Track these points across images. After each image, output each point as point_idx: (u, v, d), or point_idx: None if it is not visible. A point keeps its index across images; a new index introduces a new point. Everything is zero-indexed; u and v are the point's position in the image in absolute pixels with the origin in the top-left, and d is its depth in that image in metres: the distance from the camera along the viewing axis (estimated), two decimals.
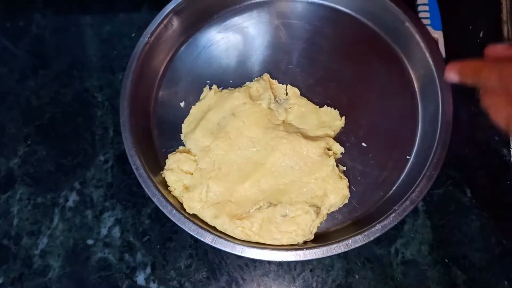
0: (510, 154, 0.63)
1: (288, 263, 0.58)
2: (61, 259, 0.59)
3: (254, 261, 0.58)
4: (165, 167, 0.59)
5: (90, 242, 0.60)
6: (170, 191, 0.57)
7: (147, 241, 0.59)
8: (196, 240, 0.59)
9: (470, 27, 0.71)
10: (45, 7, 0.76)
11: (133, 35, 0.73)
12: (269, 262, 0.58)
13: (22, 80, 0.70)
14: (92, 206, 0.61)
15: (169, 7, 0.65)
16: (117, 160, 0.64)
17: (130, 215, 0.61)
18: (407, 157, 0.61)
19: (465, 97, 0.65)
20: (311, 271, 0.57)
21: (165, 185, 0.58)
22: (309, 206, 0.54)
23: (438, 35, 0.67)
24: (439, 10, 0.70)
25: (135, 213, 0.61)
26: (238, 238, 0.53)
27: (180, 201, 0.56)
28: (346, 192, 0.57)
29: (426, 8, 0.71)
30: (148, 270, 0.58)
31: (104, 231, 0.60)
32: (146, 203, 0.61)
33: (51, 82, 0.70)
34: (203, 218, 0.55)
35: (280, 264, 0.58)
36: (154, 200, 0.54)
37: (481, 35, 0.70)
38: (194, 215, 0.56)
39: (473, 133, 0.64)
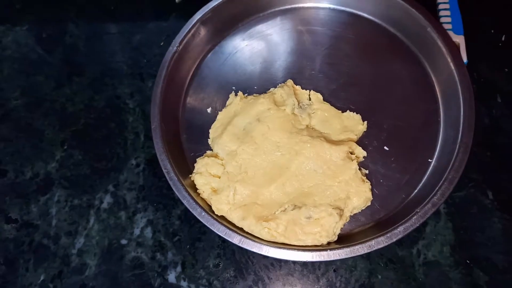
0: None
1: (313, 263, 0.60)
2: (97, 258, 0.63)
3: (279, 260, 0.61)
4: (194, 171, 0.62)
5: (123, 242, 0.63)
6: (199, 194, 0.60)
7: (177, 241, 0.63)
8: (224, 241, 0.62)
9: (492, 31, 0.72)
10: (77, 17, 0.81)
11: (162, 44, 0.77)
12: (294, 262, 0.60)
13: (58, 88, 0.75)
14: (125, 207, 0.65)
15: (196, 17, 0.69)
16: (148, 164, 0.68)
17: (161, 216, 0.64)
18: (429, 160, 0.62)
19: (487, 100, 0.67)
20: (334, 271, 0.60)
21: (194, 187, 0.61)
22: (333, 208, 0.56)
23: (459, 39, 0.69)
24: (460, 15, 0.71)
25: (165, 215, 0.64)
26: (264, 239, 0.56)
27: (209, 203, 0.59)
28: (369, 194, 0.59)
29: (448, 13, 0.72)
30: (179, 268, 0.61)
31: (137, 231, 0.64)
32: (176, 204, 0.65)
33: (85, 89, 0.75)
34: (230, 220, 0.58)
35: (304, 264, 0.60)
36: (184, 202, 0.57)
37: (503, 38, 0.72)
38: (222, 217, 0.59)
39: (494, 136, 0.65)
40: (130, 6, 0.81)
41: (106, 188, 0.67)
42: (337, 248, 0.53)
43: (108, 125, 0.71)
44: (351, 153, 0.61)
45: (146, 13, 0.80)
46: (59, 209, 0.66)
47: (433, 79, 0.67)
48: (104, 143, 0.70)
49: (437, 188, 0.56)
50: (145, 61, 0.76)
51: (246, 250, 0.60)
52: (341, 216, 0.57)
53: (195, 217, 0.62)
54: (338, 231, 0.57)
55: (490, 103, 0.67)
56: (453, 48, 0.64)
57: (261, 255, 0.59)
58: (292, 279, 0.60)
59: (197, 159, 0.63)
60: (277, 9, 0.75)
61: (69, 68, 0.76)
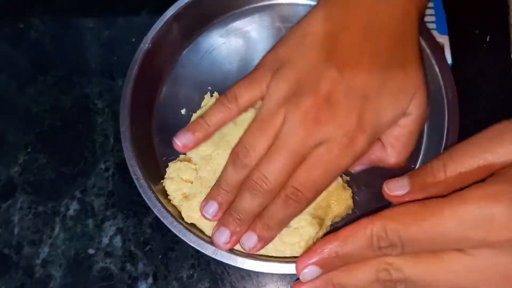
0: None
1: (291, 275, 0.58)
2: (62, 269, 0.60)
3: (256, 273, 0.59)
4: (165, 176, 0.59)
5: (91, 251, 0.60)
6: (170, 200, 0.58)
7: (149, 250, 0.60)
8: (198, 250, 0.59)
9: (477, 31, 0.71)
10: (43, 12, 0.77)
11: (133, 40, 0.74)
12: (272, 273, 0.58)
13: (21, 87, 0.71)
14: (93, 215, 0.62)
15: (169, 12, 0.66)
16: (118, 168, 0.65)
17: (131, 224, 0.62)
18: (412, 166, 0.61)
19: (471, 103, 0.66)
20: None
21: (165, 193, 0.58)
22: (313, 217, 0.54)
23: (443, 39, 0.68)
24: (445, 14, 0.70)
25: (136, 222, 0.62)
26: (238, 249, 0.54)
27: (179, 210, 0.57)
28: (350, 202, 0.57)
29: (432, 11, 0.71)
30: (150, 280, 0.59)
31: (105, 240, 0.61)
32: (147, 212, 0.62)
33: (50, 88, 0.71)
34: (201, 228, 0.56)
35: (283, 275, 0.58)
36: (155, 211, 0.54)
37: (487, 39, 0.71)
38: (195, 226, 0.56)
39: None
40: (99, 0, 0.77)
41: (73, 194, 0.64)
42: None
43: (75, 127, 0.68)
44: None
45: (116, 7, 0.77)
46: (22, 217, 0.63)
47: None
48: (71, 146, 0.67)
49: None
50: (115, 58, 0.73)
51: (222, 261, 0.58)
52: (321, 225, 0.55)
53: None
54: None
55: (474, 106, 0.66)
56: (438, 49, 0.62)
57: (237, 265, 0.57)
58: None
59: (169, 164, 0.60)
60: (255, 5, 0.72)
61: (34, 67, 0.73)
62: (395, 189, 0.41)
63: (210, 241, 0.54)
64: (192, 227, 0.55)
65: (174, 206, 0.58)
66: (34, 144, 0.67)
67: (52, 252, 0.61)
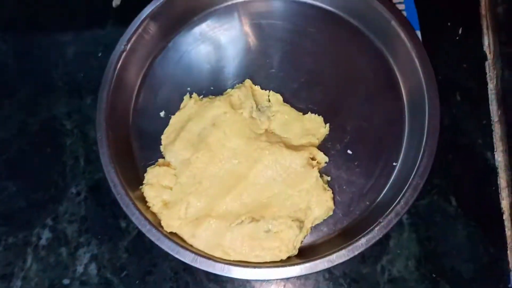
0: (494, 158, 0.63)
1: (274, 287, 0.58)
2: None
3: None
4: (143, 182, 0.59)
5: (66, 282, 0.60)
6: (149, 207, 0.57)
7: (125, 276, 0.59)
8: (177, 272, 0.59)
9: (449, 23, 0.70)
10: (4, 31, 0.75)
11: (99, 54, 0.72)
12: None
13: None
14: (66, 243, 0.61)
15: (145, 12, 0.65)
16: (90, 192, 0.64)
17: (106, 249, 0.61)
18: (394, 164, 0.61)
19: (446, 98, 0.65)
20: None
21: (144, 200, 0.57)
22: (292, 220, 0.54)
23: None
24: (415, 8, 0.70)
25: (111, 247, 0.61)
26: (217, 256, 0.53)
27: (159, 218, 0.56)
28: (331, 204, 0.57)
29: (402, 6, 0.70)
30: None
31: (80, 269, 0.60)
32: (122, 235, 0.61)
33: (16, 112, 0.70)
34: (181, 236, 0.55)
35: None
36: (133, 218, 0.54)
37: (460, 31, 0.70)
38: (175, 234, 0.55)
39: (455, 137, 0.64)
40: (61, 16, 0.75)
41: (44, 222, 0.63)
42: (297, 264, 0.51)
43: (44, 151, 0.67)
44: (313, 159, 0.59)
45: (79, 21, 0.75)
46: None
47: (398, 75, 0.65)
48: (41, 171, 0.66)
49: (400, 195, 0.54)
50: (82, 75, 0.71)
51: (202, 282, 0.58)
52: (301, 228, 0.54)
53: (144, 247, 0.59)
54: (298, 245, 0.55)
55: (449, 102, 0.65)
56: (418, 43, 0.61)
57: (217, 285, 0.56)
58: None
59: (147, 169, 0.59)
60: (233, 2, 0.71)
61: None
62: None
63: (190, 248, 0.53)
64: (173, 236, 0.54)
65: (153, 214, 0.57)
66: (2, 171, 0.66)
67: (25, 285, 0.60)
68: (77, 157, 0.66)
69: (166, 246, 0.52)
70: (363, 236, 0.52)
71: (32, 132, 0.68)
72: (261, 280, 0.58)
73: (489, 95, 0.66)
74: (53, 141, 0.67)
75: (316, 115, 0.62)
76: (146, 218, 0.54)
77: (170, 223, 0.55)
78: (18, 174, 0.66)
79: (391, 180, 0.60)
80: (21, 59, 0.73)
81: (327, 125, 0.62)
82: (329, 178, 0.60)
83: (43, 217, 0.63)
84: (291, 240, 0.54)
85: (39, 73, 0.72)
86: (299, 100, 0.64)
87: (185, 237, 0.55)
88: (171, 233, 0.55)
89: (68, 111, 0.69)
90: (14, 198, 0.64)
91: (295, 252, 0.55)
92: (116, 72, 0.62)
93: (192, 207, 0.56)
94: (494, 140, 0.63)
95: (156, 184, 0.58)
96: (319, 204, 0.56)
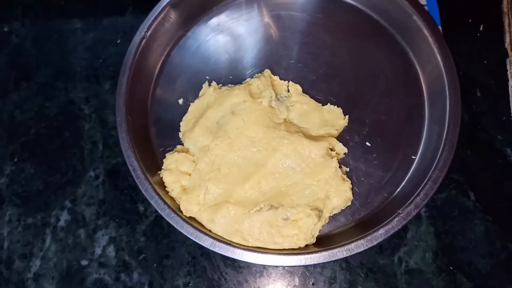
0: None
1: (290, 275, 0.59)
2: (55, 282, 0.60)
3: (254, 276, 0.59)
4: (162, 167, 0.60)
5: (84, 263, 0.61)
6: (168, 192, 0.58)
7: (143, 259, 0.61)
8: (194, 257, 0.60)
9: (470, 20, 0.72)
10: (24, 15, 0.77)
11: (118, 42, 0.74)
12: (269, 276, 0.59)
13: (4, 95, 0.71)
14: (84, 225, 0.63)
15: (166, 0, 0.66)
16: (108, 175, 0.65)
17: (124, 233, 0.62)
18: (412, 157, 0.62)
19: (466, 95, 0.66)
20: (313, 284, 0.59)
21: (162, 185, 0.59)
22: (311, 209, 0.55)
23: None
24: (437, 4, 0.71)
25: (129, 231, 0.62)
26: (236, 242, 0.55)
27: (178, 203, 0.57)
28: (349, 194, 0.58)
29: (424, 1, 0.71)
30: None
31: (98, 250, 0.61)
32: (140, 219, 0.62)
33: (34, 95, 0.71)
34: (200, 221, 0.57)
35: (281, 277, 0.59)
36: (152, 202, 0.55)
37: (481, 28, 0.71)
38: (193, 219, 0.57)
39: (475, 133, 0.65)
40: (81, 2, 0.77)
41: (63, 204, 0.64)
42: (316, 252, 0.52)
43: (61, 135, 0.68)
44: (331, 149, 0.60)
45: (100, 8, 0.77)
46: (11, 230, 0.63)
47: (418, 70, 0.66)
48: (58, 154, 0.67)
49: (420, 187, 0.55)
50: (101, 61, 0.73)
51: (218, 266, 0.59)
52: (319, 217, 0.56)
53: (162, 232, 0.60)
54: (316, 233, 0.56)
55: (469, 98, 0.67)
56: (440, 38, 0.63)
57: (234, 270, 0.58)
58: None
59: (166, 155, 0.61)
60: None
61: (16, 72, 0.73)
62: None
63: (209, 233, 0.54)
64: (191, 220, 0.56)
65: (172, 199, 0.58)
66: (20, 153, 0.67)
67: (44, 265, 0.61)
68: (95, 141, 0.68)
69: (185, 230, 0.54)
70: (382, 226, 0.53)
71: (50, 116, 0.70)
72: (280, 266, 0.59)
73: (510, 92, 0.67)
74: (71, 125, 0.69)
75: (335, 106, 0.63)
76: (165, 203, 0.55)
77: (189, 208, 0.57)
78: (35, 157, 0.67)
79: (409, 173, 0.61)
80: (40, 44, 0.75)
81: (346, 116, 0.63)
82: (347, 169, 0.61)
83: (61, 199, 0.64)
84: (310, 228, 0.55)
85: (57, 58, 0.74)
86: (318, 91, 0.65)
87: (204, 222, 0.56)
88: (189, 218, 0.56)
89: (86, 96, 0.71)
90: (32, 181, 0.66)
91: (313, 240, 0.56)
92: (136, 58, 0.63)
93: (210, 193, 0.57)
94: None
95: (175, 170, 0.59)
96: (337, 194, 0.57)
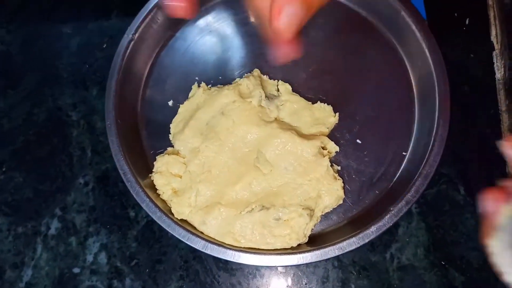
0: None
1: (283, 275, 0.60)
2: None
3: (246, 278, 0.60)
4: (153, 170, 0.60)
5: (76, 270, 0.61)
6: (159, 195, 0.58)
7: (136, 265, 0.61)
8: (187, 261, 0.61)
9: (455, 14, 0.72)
10: (8, 21, 0.77)
11: (104, 46, 0.74)
12: (262, 277, 0.60)
13: None
14: (75, 232, 0.63)
15: (153, 1, 0.66)
16: (97, 182, 0.65)
17: (115, 239, 0.62)
18: (403, 153, 0.62)
19: (453, 89, 0.66)
20: (306, 284, 0.59)
21: (153, 188, 0.59)
22: (303, 209, 0.56)
23: None
24: None
25: (120, 237, 0.62)
26: (228, 243, 0.55)
27: (169, 205, 0.58)
28: (341, 193, 0.58)
29: None
30: None
31: (90, 258, 0.62)
32: (131, 225, 0.63)
33: (22, 102, 0.71)
34: (192, 223, 0.57)
35: (274, 278, 0.60)
36: (143, 205, 0.55)
37: (467, 22, 0.72)
38: (184, 222, 0.57)
39: (463, 127, 0.66)
40: (66, 6, 0.77)
41: (53, 212, 0.64)
42: (307, 251, 0.53)
43: (50, 141, 0.69)
44: (323, 148, 0.61)
45: (84, 13, 0.77)
46: (2, 239, 0.63)
47: (408, 66, 0.67)
48: (47, 161, 0.67)
49: (411, 184, 0.56)
50: (87, 67, 0.73)
51: (211, 270, 0.59)
52: (311, 216, 0.56)
53: (153, 237, 0.61)
54: (308, 233, 0.57)
55: (457, 92, 0.67)
56: (428, 34, 0.63)
57: (227, 273, 0.58)
58: None
59: (157, 157, 0.61)
60: None
61: (2, 80, 0.73)
62: None
63: (201, 235, 0.55)
64: (183, 223, 0.56)
65: (163, 201, 0.58)
66: (9, 162, 0.68)
67: (35, 274, 0.61)
68: (83, 147, 0.68)
69: (177, 233, 0.54)
70: (373, 224, 0.54)
71: (38, 123, 0.70)
72: (272, 266, 0.60)
73: (497, 85, 0.68)
74: (59, 131, 0.69)
75: (326, 104, 0.64)
76: (156, 206, 0.55)
77: (180, 210, 0.57)
78: (24, 165, 0.67)
79: (400, 169, 0.61)
80: (26, 50, 0.75)
81: (337, 114, 0.63)
82: (339, 168, 0.61)
83: (51, 207, 0.64)
84: (302, 228, 0.55)
85: (43, 64, 0.74)
86: (308, 90, 0.66)
87: (195, 224, 0.57)
88: (181, 220, 0.57)
89: (74, 102, 0.71)
90: (21, 189, 0.66)
91: (305, 239, 0.56)
92: (124, 61, 0.63)
93: (201, 195, 0.57)
94: (502, 130, 0.65)
95: (166, 172, 0.59)
96: (329, 193, 0.58)
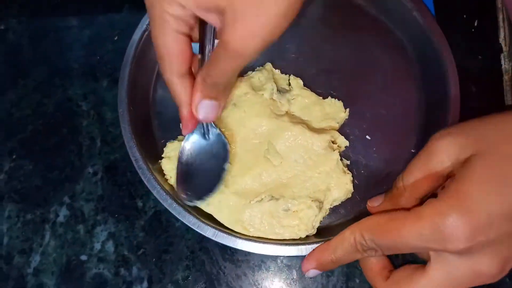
0: None
1: (288, 268, 0.61)
2: (55, 277, 0.61)
3: (252, 269, 0.61)
4: (162, 155, 0.61)
5: (83, 258, 0.62)
6: (166, 180, 0.59)
7: (142, 254, 0.62)
8: (193, 251, 0.62)
9: (464, 16, 0.73)
10: (20, 12, 0.78)
11: (115, 38, 0.75)
12: (268, 270, 0.61)
13: (1, 92, 0.72)
14: (83, 220, 0.64)
15: None
16: (106, 172, 0.66)
17: (123, 228, 0.63)
18: (412, 150, 0.63)
19: (461, 90, 0.67)
20: (311, 278, 0.60)
21: (162, 173, 0.60)
22: (312, 201, 0.57)
23: None
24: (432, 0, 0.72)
25: (128, 226, 0.63)
26: (237, 231, 0.56)
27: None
28: (350, 187, 0.59)
29: None
30: (145, 284, 0.61)
31: (97, 246, 0.62)
32: (139, 215, 0.64)
33: (31, 92, 0.72)
34: (200, 206, 0.58)
35: (280, 270, 0.61)
36: (154, 192, 0.56)
37: (475, 23, 0.73)
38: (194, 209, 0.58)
39: None
40: None
41: (61, 200, 0.65)
42: (316, 242, 0.54)
43: (59, 131, 0.69)
44: (333, 142, 0.62)
45: (96, 6, 0.77)
46: (11, 226, 0.64)
47: (417, 65, 0.68)
48: (56, 151, 0.68)
49: None
50: (98, 58, 0.74)
51: (217, 260, 0.60)
52: (320, 209, 0.57)
53: (160, 227, 0.62)
54: (317, 225, 0.58)
55: (464, 93, 0.68)
56: (439, 34, 0.64)
57: (233, 264, 0.59)
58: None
59: (167, 143, 0.62)
60: None
61: (13, 70, 0.74)
62: (372, 203, 0.52)
63: (210, 223, 0.55)
64: (192, 209, 0.57)
65: (171, 187, 0.59)
66: (19, 150, 0.68)
67: (43, 261, 0.62)
68: (93, 137, 0.69)
69: (187, 220, 0.55)
70: None
71: (47, 113, 0.71)
72: (279, 257, 0.61)
73: (504, 87, 0.69)
74: (68, 122, 0.70)
75: (336, 100, 0.65)
76: (167, 193, 0.56)
77: None
78: (33, 154, 0.68)
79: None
80: (36, 41, 0.76)
81: (347, 110, 0.64)
82: (348, 162, 0.62)
83: (60, 195, 0.65)
84: (310, 219, 0.56)
85: (54, 55, 0.75)
86: (318, 85, 0.66)
87: (204, 209, 0.58)
88: (191, 208, 0.57)
89: (84, 93, 0.72)
90: (31, 177, 0.67)
91: (314, 231, 0.57)
92: (138, 50, 0.64)
93: None
94: None
95: (174, 158, 0.59)
96: (338, 186, 0.59)
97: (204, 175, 0.57)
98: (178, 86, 0.49)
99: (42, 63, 0.74)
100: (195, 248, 0.62)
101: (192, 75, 0.51)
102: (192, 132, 0.55)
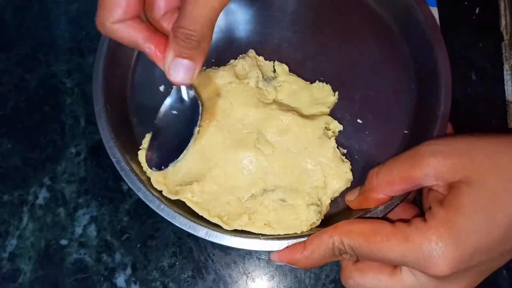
0: None
1: (277, 264, 0.56)
2: (32, 262, 0.56)
3: (242, 258, 0.56)
4: (140, 147, 0.55)
5: (63, 242, 0.57)
6: (144, 172, 0.54)
7: (126, 239, 0.57)
8: (180, 237, 0.57)
9: (466, 3, 0.69)
10: None
11: None
12: (259, 259, 0.56)
13: None
14: (64, 203, 0.59)
15: None
16: (90, 152, 0.61)
17: (106, 212, 0.58)
18: (405, 131, 0.60)
19: (462, 78, 0.64)
20: None
21: (140, 167, 0.54)
22: (311, 204, 0.52)
23: (432, 11, 0.65)
24: None
25: (112, 210, 0.58)
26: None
27: (149, 176, 0.53)
28: (350, 175, 0.55)
29: None
30: (129, 271, 0.56)
31: (78, 230, 0.58)
32: (123, 198, 0.59)
33: (14, 67, 0.66)
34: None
35: (268, 262, 0.56)
36: (139, 194, 0.51)
37: (477, 11, 0.69)
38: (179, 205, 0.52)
39: (469, 117, 0.64)
40: None
41: (41, 182, 0.60)
42: (306, 236, 0.48)
43: (42, 109, 0.64)
44: (327, 128, 0.57)
45: None
46: None
47: (406, 44, 0.64)
48: (38, 129, 0.63)
49: None
50: (84, 34, 0.68)
51: (205, 247, 0.56)
52: (319, 212, 0.52)
53: (146, 212, 0.57)
54: (318, 222, 0.52)
55: (464, 81, 0.64)
56: (425, 9, 0.60)
57: (221, 252, 0.55)
58: (256, 278, 0.56)
59: (146, 135, 0.56)
60: None
61: None
62: (349, 196, 0.52)
63: (202, 223, 0.50)
64: (177, 207, 0.52)
65: (148, 179, 0.54)
66: None
67: (20, 245, 0.57)
68: (76, 116, 0.63)
69: (178, 221, 0.49)
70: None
71: (29, 89, 0.65)
72: (267, 261, 0.57)
73: (505, 76, 0.65)
74: (51, 99, 0.64)
75: (324, 83, 0.61)
76: (153, 195, 0.51)
77: (159, 180, 0.53)
78: (13, 132, 0.63)
79: (402, 148, 0.58)
80: (21, 14, 0.70)
81: (336, 93, 0.60)
82: (345, 151, 0.58)
83: (40, 176, 0.60)
84: (309, 222, 0.51)
85: (39, 29, 0.69)
86: (305, 70, 0.62)
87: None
88: (175, 204, 0.52)
89: (69, 69, 0.66)
90: (10, 156, 0.61)
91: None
92: (111, 44, 0.58)
93: (192, 172, 0.53)
94: (508, 121, 0.63)
95: None
96: (337, 176, 0.54)
97: (174, 140, 0.51)
98: (131, 29, 0.44)
99: (25, 36, 0.68)
100: (183, 234, 0.57)
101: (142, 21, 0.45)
102: (170, 96, 0.51)
